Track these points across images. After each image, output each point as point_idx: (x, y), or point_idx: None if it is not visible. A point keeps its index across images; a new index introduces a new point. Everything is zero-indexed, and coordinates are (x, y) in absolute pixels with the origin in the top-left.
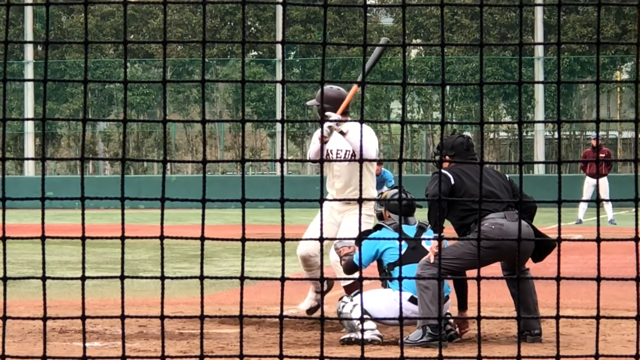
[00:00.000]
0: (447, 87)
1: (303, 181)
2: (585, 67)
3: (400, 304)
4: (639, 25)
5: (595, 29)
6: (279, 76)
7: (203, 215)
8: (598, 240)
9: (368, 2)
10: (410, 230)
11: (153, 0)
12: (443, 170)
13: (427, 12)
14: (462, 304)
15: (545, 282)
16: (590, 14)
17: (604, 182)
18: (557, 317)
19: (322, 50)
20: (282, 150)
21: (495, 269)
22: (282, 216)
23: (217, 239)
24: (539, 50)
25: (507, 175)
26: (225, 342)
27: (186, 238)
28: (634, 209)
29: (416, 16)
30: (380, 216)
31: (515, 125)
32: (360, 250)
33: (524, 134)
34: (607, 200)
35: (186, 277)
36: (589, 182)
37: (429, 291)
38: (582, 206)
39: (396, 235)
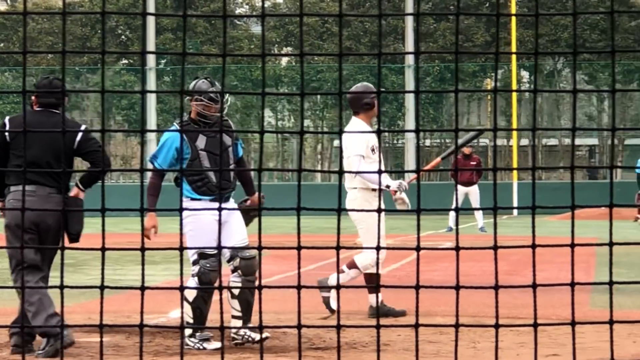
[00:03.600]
0: (319, 96)
1: (171, 189)
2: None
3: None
4: (536, 34)
5: (466, 37)
6: (150, 84)
7: (64, 223)
8: (495, 247)
9: (237, 12)
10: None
11: (53, 12)
12: (7, 119)
13: (297, 21)
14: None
15: (412, 290)
16: (460, 22)
17: (474, 190)
18: (457, 326)
19: (193, 59)
20: (141, 157)
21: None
22: (142, 224)
23: (78, 249)
24: (410, 59)
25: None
26: (94, 350)
27: (45, 248)
28: (504, 217)
29: (287, 24)
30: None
31: (386, 133)
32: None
33: (396, 142)
34: (477, 209)
35: (46, 287)
36: (460, 191)
37: (32, 306)
38: (452, 214)
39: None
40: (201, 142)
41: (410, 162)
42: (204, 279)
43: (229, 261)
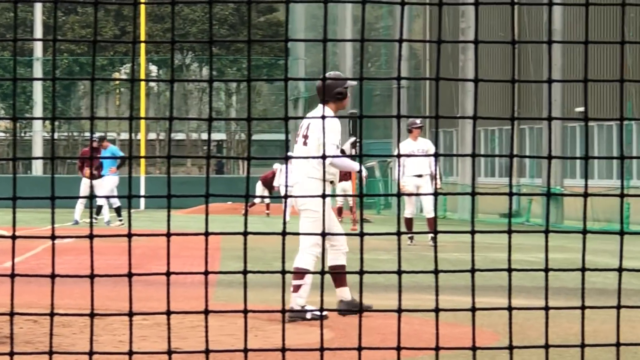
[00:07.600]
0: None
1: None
2: (84, 68)
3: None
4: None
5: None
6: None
7: None
8: (168, 234)
9: None
10: None
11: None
12: None
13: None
14: None
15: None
16: (89, 15)
17: (99, 183)
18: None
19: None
20: None
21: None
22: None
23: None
24: (38, 51)
25: None
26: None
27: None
28: (133, 210)
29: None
30: None
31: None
32: None
33: (23, 134)
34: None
35: None
36: (85, 183)
37: None
38: (79, 207)
39: None
40: None
41: (37, 154)
42: None
43: None
